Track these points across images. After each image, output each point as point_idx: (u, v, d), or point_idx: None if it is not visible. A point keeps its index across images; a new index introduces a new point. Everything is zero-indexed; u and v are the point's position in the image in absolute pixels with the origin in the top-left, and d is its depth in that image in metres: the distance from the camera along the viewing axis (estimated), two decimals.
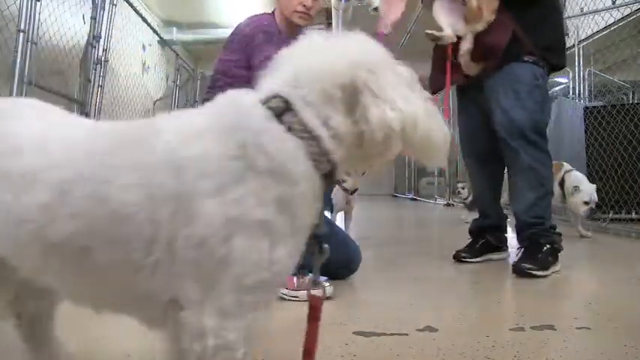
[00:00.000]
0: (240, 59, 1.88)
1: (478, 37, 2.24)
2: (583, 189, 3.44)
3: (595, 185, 3.56)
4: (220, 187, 0.59)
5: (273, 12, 2.04)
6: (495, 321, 1.47)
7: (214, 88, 1.95)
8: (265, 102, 0.65)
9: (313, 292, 0.79)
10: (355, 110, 0.65)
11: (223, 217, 0.58)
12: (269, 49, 1.80)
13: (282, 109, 0.64)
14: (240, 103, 0.66)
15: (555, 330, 1.33)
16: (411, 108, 0.65)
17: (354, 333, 1.26)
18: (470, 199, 4.56)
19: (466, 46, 2.23)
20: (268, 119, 0.63)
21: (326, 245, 0.75)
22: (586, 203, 3.41)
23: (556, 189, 3.52)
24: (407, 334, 1.27)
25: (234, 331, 0.61)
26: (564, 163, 3.72)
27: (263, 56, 1.80)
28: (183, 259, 0.59)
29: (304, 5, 1.93)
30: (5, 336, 1.23)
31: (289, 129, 0.63)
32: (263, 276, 0.61)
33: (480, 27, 2.21)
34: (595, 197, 3.45)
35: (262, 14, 2.01)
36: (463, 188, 4.70)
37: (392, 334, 1.26)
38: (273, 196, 0.61)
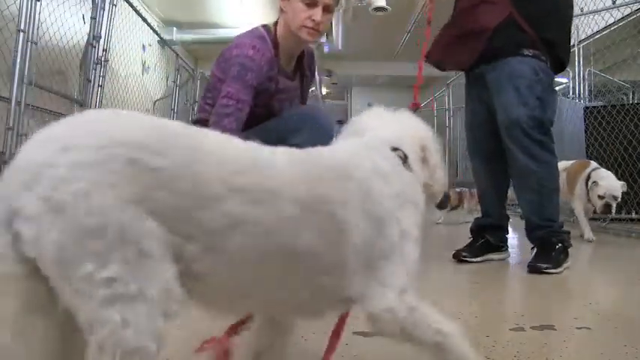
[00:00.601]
0: (221, 78, 1.84)
1: (466, 17, 2.24)
2: (601, 184, 3.37)
3: (623, 183, 3.42)
4: (395, 210, 0.82)
5: (276, 22, 1.93)
6: (495, 321, 1.47)
7: (205, 97, 1.95)
8: (393, 150, 0.90)
9: None
10: (424, 167, 0.96)
11: (400, 230, 0.82)
12: (232, 87, 1.76)
13: (403, 160, 0.90)
14: (385, 152, 0.90)
15: (555, 330, 1.33)
16: (443, 170, 1.01)
17: (354, 333, 1.25)
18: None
19: None
20: (402, 166, 0.89)
21: None
22: (600, 197, 3.34)
23: (583, 188, 3.50)
24: None
25: (415, 305, 0.81)
26: (591, 162, 3.66)
27: (225, 92, 1.76)
28: (377, 256, 0.80)
29: (313, 20, 1.80)
30: None
31: None
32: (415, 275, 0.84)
33: None
34: (613, 192, 3.33)
35: (258, 33, 1.87)
36: None
37: None
38: (417, 220, 0.86)
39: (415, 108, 2.62)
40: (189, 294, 0.68)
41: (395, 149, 0.91)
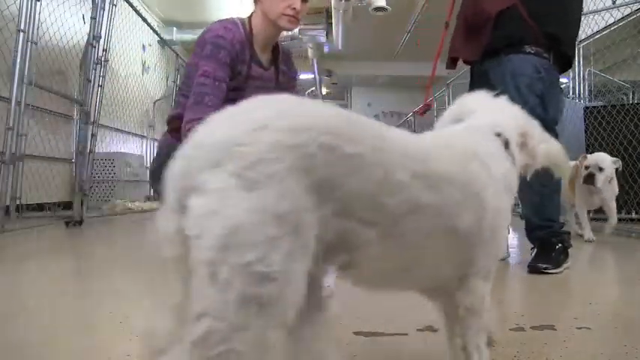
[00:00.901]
0: (196, 64, 1.84)
1: (472, 5, 2.23)
2: (588, 156, 3.36)
3: (616, 159, 3.35)
4: (503, 190, 0.87)
5: (250, 16, 1.96)
6: (495, 321, 1.47)
7: (181, 90, 1.95)
8: (496, 135, 0.94)
9: None
10: (523, 150, 0.99)
11: (503, 217, 0.86)
12: (208, 65, 1.77)
13: (505, 145, 0.94)
14: (491, 136, 0.94)
15: (555, 330, 1.33)
16: (553, 142, 1.11)
17: (354, 333, 1.25)
18: None
19: None
20: (504, 151, 0.93)
21: None
22: (586, 168, 3.30)
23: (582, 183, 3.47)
24: (407, 334, 1.27)
25: (487, 294, 0.89)
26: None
27: (202, 70, 1.77)
28: (486, 237, 0.83)
29: (294, 8, 1.84)
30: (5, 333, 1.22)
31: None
32: None
33: None
34: (599, 163, 3.25)
35: (231, 21, 1.91)
36: None
37: (392, 334, 1.26)
38: (510, 206, 0.91)
39: (424, 110, 2.62)
40: (345, 277, 0.75)
41: (498, 134, 0.94)
